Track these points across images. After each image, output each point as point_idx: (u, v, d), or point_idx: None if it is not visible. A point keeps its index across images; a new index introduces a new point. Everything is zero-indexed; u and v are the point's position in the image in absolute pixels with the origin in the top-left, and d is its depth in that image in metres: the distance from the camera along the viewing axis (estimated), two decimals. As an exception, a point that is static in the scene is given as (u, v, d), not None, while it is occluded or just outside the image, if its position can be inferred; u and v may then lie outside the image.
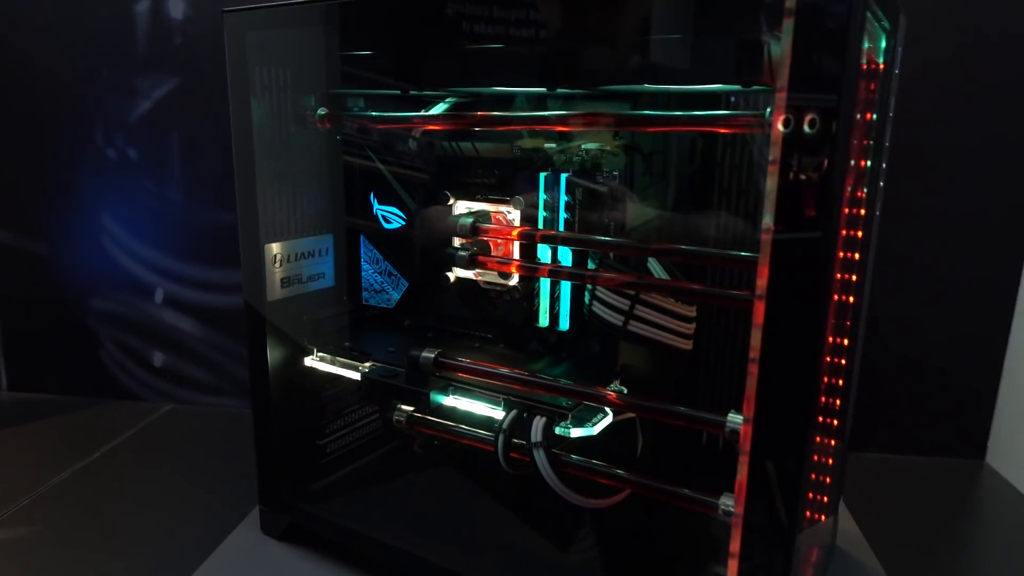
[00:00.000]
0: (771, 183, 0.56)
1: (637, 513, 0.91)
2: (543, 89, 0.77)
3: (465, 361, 0.85)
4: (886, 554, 1.00)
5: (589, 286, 0.87)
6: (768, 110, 0.63)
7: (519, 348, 0.98)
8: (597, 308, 0.85)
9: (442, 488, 1.07)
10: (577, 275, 0.85)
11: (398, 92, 0.90)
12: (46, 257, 1.54)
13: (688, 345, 0.86)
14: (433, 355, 0.85)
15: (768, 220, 0.57)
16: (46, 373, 1.61)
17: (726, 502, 0.68)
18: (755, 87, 0.68)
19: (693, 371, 0.97)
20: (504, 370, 0.82)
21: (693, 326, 0.86)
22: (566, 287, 0.90)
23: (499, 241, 0.94)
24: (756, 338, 0.59)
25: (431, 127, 0.93)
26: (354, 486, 1.05)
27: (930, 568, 1.00)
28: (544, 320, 0.93)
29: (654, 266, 0.88)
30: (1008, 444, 1.30)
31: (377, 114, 0.98)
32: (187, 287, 1.50)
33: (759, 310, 0.58)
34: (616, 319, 0.84)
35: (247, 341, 0.95)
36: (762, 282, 0.58)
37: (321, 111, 0.93)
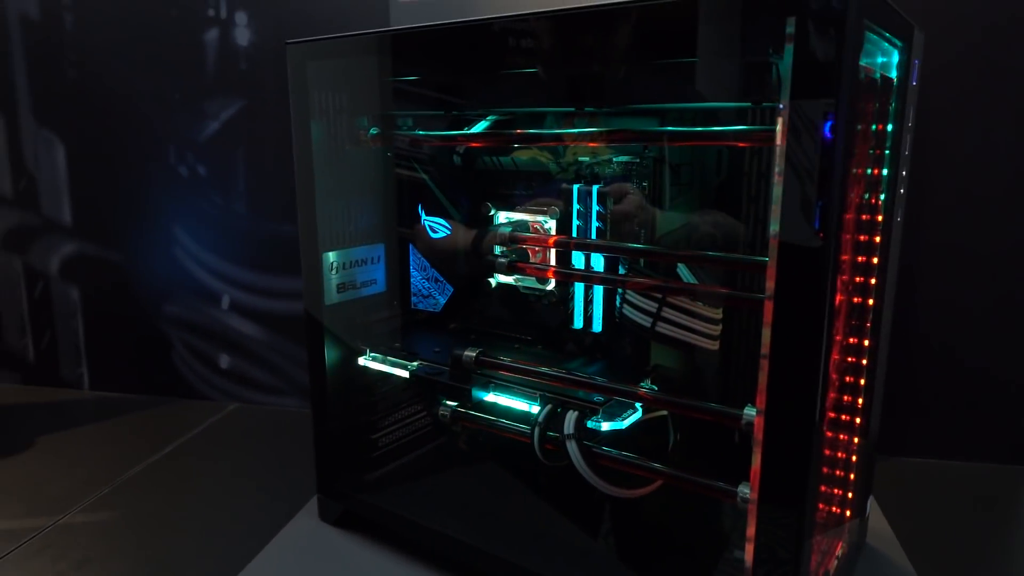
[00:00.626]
0: (777, 192, 0.62)
1: (663, 504, 0.96)
2: (571, 108, 0.83)
3: (503, 359, 0.91)
4: (917, 555, 1.02)
5: (620, 290, 0.93)
6: (776, 125, 0.68)
7: (556, 349, 1.05)
8: (628, 311, 0.91)
9: (484, 479, 1.13)
10: (608, 280, 0.91)
11: (443, 112, 0.97)
12: (123, 266, 1.67)
13: (715, 346, 0.91)
14: (475, 354, 0.92)
15: (775, 227, 0.62)
16: (124, 374, 1.74)
17: (743, 490, 0.73)
18: (765, 104, 0.73)
19: (723, 370, 1.01)
20: (539, 368, 0.89)
21: (719, 327, 0.91)
22: (599, 291, 0.96)
23: (536, 249, 1.01)
24: (766, 336, 0.64)
25: (474, 144, 1.01)
26: (403, 477, 1.13)
27: (961, 569, 1.02)
28: (579, 322, 0.99)
29: (683, 271, 0.93)
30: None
31: (424, 133, 1.06)
32: (250, 294, 1.61)
33: (768, 310, 0.63)
34: (645, 320, 0.90)
35: (306, 343, 1.04)
36: (771, 284, 0.63)
37: (373, 131, 1.01)
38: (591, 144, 0.90)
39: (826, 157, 0.58)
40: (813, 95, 0.57)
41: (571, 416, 0.85)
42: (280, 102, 1.49)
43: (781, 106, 0.61)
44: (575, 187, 0.95)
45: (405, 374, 1.01)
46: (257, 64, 1.49)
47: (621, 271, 0.94)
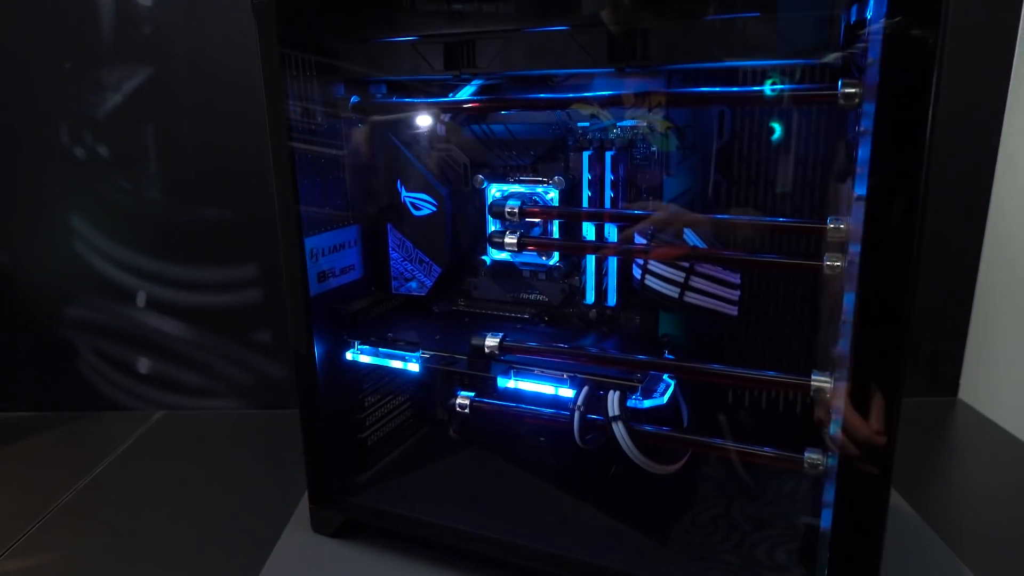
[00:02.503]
0: (863, 152, 0.60)
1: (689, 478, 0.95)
2: (611, 68, 0.77)
3: (532, 344, 0.86)
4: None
5: (639, 261, 0.89)
6: (840, 81, 0.66)
7: (560, 326, 1.00)
8: (652, 282, 0.88)
9: (479, 468, 1.08)
10: (639, 251, 0.87)
11: (435, 77, 0.88)
12: (10, 266, 1.44)
13: (735, 311, 0.90)
14: (498, 340, 0.85)
15: (861, 190, 0.60)
16: (23, 390, 1.51)
17: (812, 456, 0.72)
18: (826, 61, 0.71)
19: (731, 335, 1.01)
20: (574, 350, 0.84)
21: (739, 292, 0.90)
22: (612, 263, 0.92)
23: (536, 222, 0.95)
24: (850, 301, 0.63)
25: (474, 109, 0.93)
26: (401, 476, 1.05)
27: (911, 497, 1.07)
28: (590, 297, 0.95)
29: (690, 236, 0.91)
30: (980, 378, 1.41)
31: (413, 100, 0.96)
32: (171, 288, 1.44)
33: (857, 275, 0.61)
34: (672, 291, 0.87)
35: (291, 341, 0.93)
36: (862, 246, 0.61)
37: (354, 99, 0.90)
38: (634, 106, 0.85)
39: (923, 113, 0.56)
40: (910, 44, 0.55)
41: (614, 397, 0.81)
42: (196, 70, 1.33)
43: (868, 59, 0.59)
44: (585, 154, 0.90)
45: (415, 367, 0.93)
46: (164, 27, 1.30)
47: (639, 240, 0.90)
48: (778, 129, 0.91)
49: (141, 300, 1.44)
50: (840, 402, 0.66)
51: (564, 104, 0.89)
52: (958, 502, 1.11)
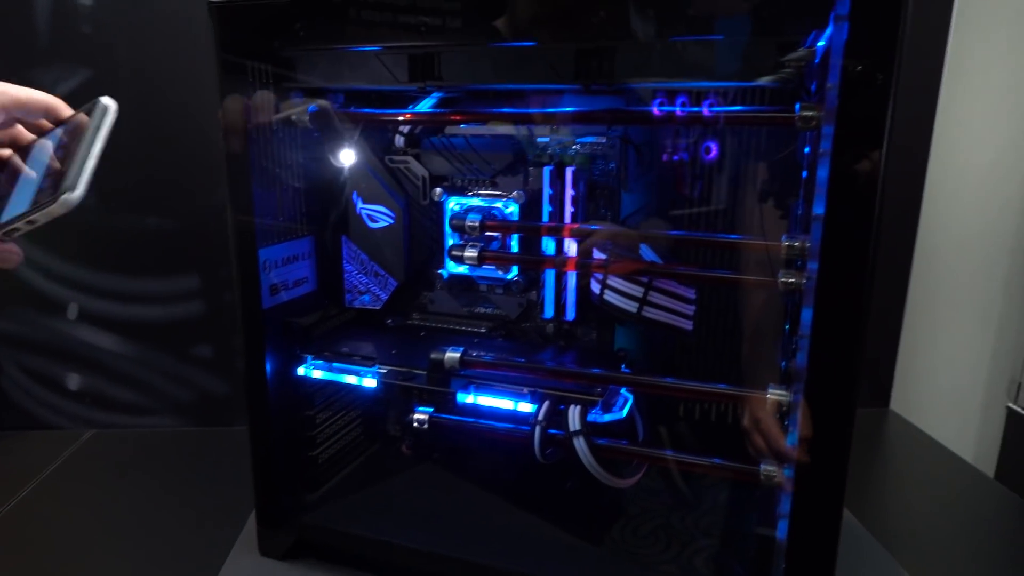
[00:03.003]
0: (821, 173, 0.62)
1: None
2: (577, 85, 0.78)
3: (493, 358, 0.85)
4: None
5: (598, 276, 0.90)
6: (797, 105, 0.69)
7: (517, 340, 1.00)
8: (611, 296, 0.89)
9: (433, 484, 1.06)
10: (599, 265, 0.88)
11: (396, 88, 0.87)
12: (-76, 277, 1.34)
13: (690, 325, 0.92)
14: (458, 355, 0.84)
15: (819, 209, 0.62)
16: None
17: (768, 468, 0.74)
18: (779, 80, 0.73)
19: (682, 349, 1.02)
20: (536, 364, 0.84)
21: (694, 307, 0.91)
22: (572, 278, 0.93)
23: (495, 236, 0.95)
24: (808, 316, 0.65)
25: (440, 121, 0.92)
26: (350, 493, 1.02)
27: (849, 503, 1.11)
28: (549, 311, 0.95)
29: (646, 251, 0.92)
30: (910, 389, 1.48)
31: (373, 111, 0.95)
32: (105, 300, 1.37)
33: (815, 291, 0.64)
34: (631, 306, 0.88)
35: (244, 356, 0.89)
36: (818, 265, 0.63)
37: (312, 107, 0.88)
38: (588, 123, 0.86)
39: (877, 136, 0.59)
40: (868, 74, 0.57)
41: (575, 411, 0.81)
42: (138, 72, 1.28)
43: (828, 85, 0.61)
44: (546, 169, 0.90)
45: (372, 383, 0.91)
46: (105, 27, 1.25)
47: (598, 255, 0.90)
48: (729, 147, 0.93)
49: (72, 312, 1.37)
50: (796, 414, 0.68)
51: (525, 120, 0.89)
52: (893, 507, 1.16)
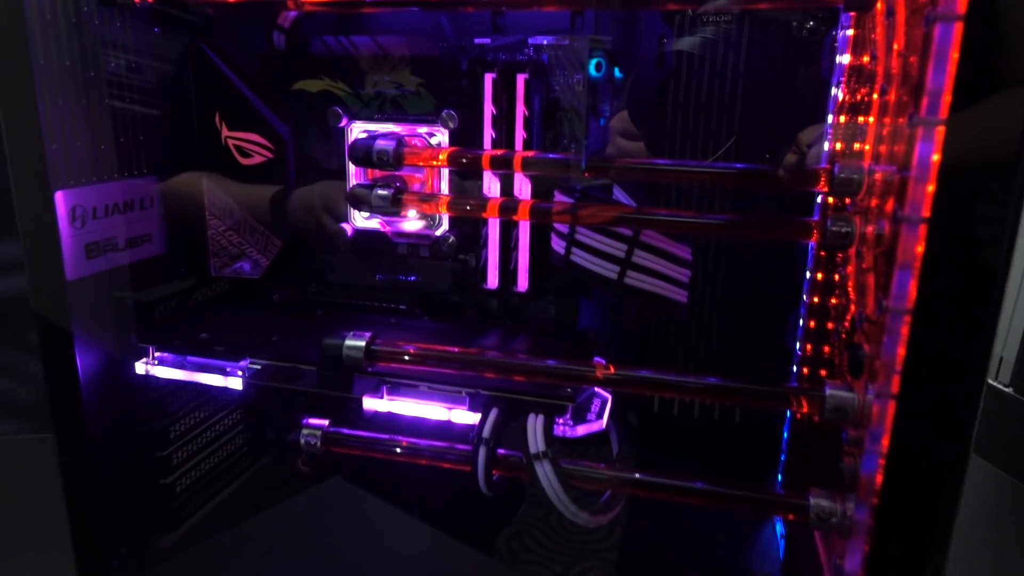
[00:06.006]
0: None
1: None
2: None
3: (414, 348, 0.58)
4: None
5: (562, 228, 0.64)
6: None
7: (450, 319, 0.74)
8: (581, 258, 0.63)
9: (339, 513, 0.80)
10: (565, 212, 0.61)
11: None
12: None
13: (684, 297, 0.67)
14: (363, 343, 0.57)
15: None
16: None
17: (821, 503, 0.50)
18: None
19: (660, 327, 0.78)
20: (478, 354, 0.58)
21: (690, 272, 0.67)
22: (524, 232, 0.67)
23: (420, 178, 0.68)
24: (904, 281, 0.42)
25: (327, 4, 0.64)
26: (223, 531, 0.75)
27: None
28: (492, 280, 0.69)
29: (620, 194, 0.68)
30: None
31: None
32: None
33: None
34: (610, 270, 0.62)
35: (40, 347, 0.60)
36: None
37: (137, -23, 0.59)
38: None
39: None
40: None
41: (536, 423, 0.55)
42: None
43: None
44: (487, 77, 0.64)
45: (236, 384, 0.63)
46: None
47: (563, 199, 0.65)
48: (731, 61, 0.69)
49: None
50: (875, 424, 0.45)
51: (456, 4, 0.63)
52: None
